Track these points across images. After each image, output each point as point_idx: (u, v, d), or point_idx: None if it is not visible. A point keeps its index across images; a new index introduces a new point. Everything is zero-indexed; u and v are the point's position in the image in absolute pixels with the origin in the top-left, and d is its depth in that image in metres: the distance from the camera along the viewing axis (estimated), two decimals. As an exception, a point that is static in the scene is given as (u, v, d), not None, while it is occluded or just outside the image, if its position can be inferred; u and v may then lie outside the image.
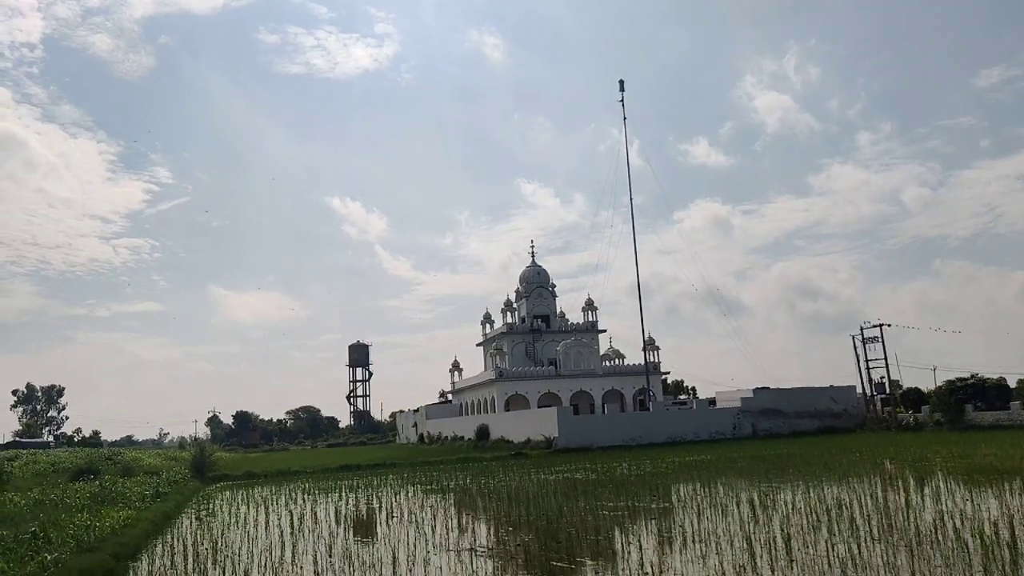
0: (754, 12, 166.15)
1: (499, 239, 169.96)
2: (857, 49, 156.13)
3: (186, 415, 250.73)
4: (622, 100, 52.24)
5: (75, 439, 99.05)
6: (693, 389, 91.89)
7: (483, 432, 49.12)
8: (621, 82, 52.54)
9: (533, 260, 65.44)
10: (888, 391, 44.02)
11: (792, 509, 13.72)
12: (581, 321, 62.18)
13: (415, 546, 12.18)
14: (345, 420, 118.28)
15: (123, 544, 12.85)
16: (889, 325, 44.21)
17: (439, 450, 49.00)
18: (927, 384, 50.00)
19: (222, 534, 14.57)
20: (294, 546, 12.78)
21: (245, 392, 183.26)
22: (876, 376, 44.78)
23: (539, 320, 62.19)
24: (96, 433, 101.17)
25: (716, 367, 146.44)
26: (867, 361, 44.43)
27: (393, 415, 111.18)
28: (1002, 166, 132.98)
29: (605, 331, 62.07)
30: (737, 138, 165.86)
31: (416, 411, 69.27)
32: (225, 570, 10.97)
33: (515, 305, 62.99)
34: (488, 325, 65.62)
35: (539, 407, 52.71)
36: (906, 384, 49.77)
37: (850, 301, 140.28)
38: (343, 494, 22.44)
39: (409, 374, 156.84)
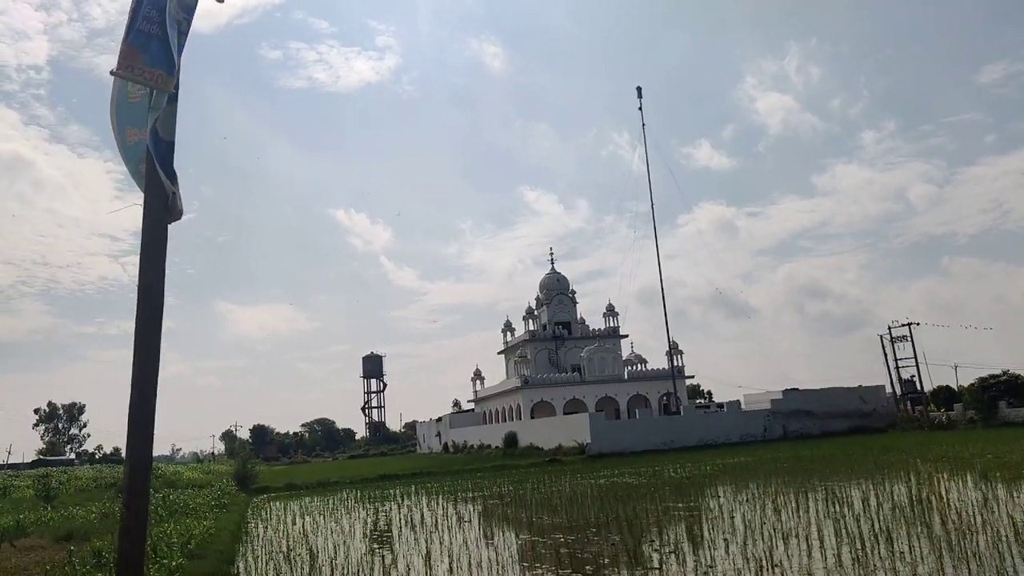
0: (753, 13, 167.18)
1: (503, 247, 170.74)
2: (858, 48, 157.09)
3: (197, 430, 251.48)
4: (640, 107, 52.71)
5: (96, 456, 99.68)
6: (709, 393, 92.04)
7: (511, 440, 49.38)
8: (639, 88, 53.04)
9: (552, 267, 65.89)
10: (920, 389, 44.10)
11: (869, 505, 13.96)
12: (602, 327, 62.52)
13: (510, 549, 12.47)
14: (360, 431, 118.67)
15: (221, 551, 13.20)
16: (917, 324, 44.40)
17: (468, 458, 49.22)
18: (945, 382, 50.19)
19: (306, 541, 14.89)
20: (393, 552, 13.10)
21: (255, 406, 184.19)
22: (900, 375, 44.98)
23: (560, 327, 62.50)
24: (117, 450, 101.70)
25: (725, 371, 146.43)
26: (896, 360, 44.58)
27: (407, 425, 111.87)
28: (1008, 162, 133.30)
29: (627, 336, 62.47)
30: (740, 140, 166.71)
31: (439, 420, 69.57)
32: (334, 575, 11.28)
33: (536, 312, 63.34)
34: (509, 333, 65.99)
35: (564, 414, 52.96)
36: (925, 383, 49.89)
37: (858, 301, 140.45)
38: (400, 502, 22.74)
39: (417, 384, 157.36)
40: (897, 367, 44.94)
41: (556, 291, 63.40)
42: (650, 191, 52.51)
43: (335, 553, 13.22)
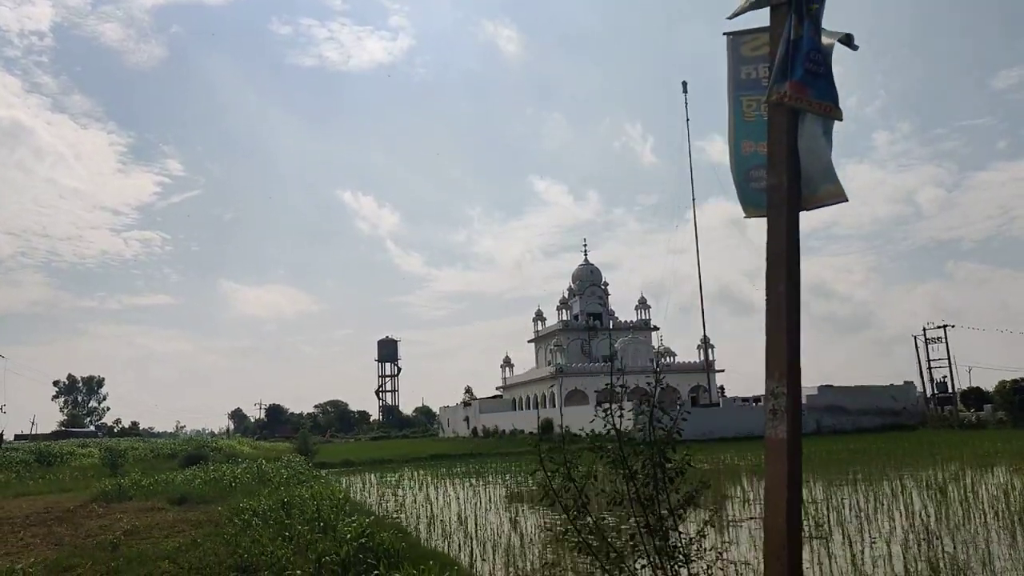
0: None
1: (512, 235, 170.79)
2: (875, 47, 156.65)
3: (201, 408, 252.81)
4: (685, 102, 53.08)
5: (115, 429, 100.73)
6: (721, 388, 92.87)
7: (547, 426, 50.20)
8: (684, 83, 53.30)
9: (586, 258, 66.66)
10: (953, 390, 44.92)
11: (977, 490, 14.65)
12: (633, 319, 63.37)
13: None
14: (373, 414, 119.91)
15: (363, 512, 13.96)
16: (952, 326, 45.15)
17: (500, 443, 50.07)
18: (963, 384, 51.06)
19: (441, 512, 15.69)
20: (530, 524, 13.86)
21: (260, 386, 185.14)
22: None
23: (592, 318, 63.32)
24: (135, 424, 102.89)
25: (732, 365, 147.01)
26: (929, 361, 45.38)
27: (417, 410, 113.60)
28: (1018, 168, 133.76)
29: (658, 328, 63.32)
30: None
31: (467, 405, 70.63)
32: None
33: (568, 302, 64.19)
34: (540, 322, 66.84)
35: (596, 403, 53.82)
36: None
37: (863, 303, 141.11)
38: (487, 479, 23.50)
39: (424, 370, 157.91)
40: (930, 367, 45.86)
41: (589, 282, 64.24)
42: (692, 186, 53.17)
43: (474, 528, 13.76)
